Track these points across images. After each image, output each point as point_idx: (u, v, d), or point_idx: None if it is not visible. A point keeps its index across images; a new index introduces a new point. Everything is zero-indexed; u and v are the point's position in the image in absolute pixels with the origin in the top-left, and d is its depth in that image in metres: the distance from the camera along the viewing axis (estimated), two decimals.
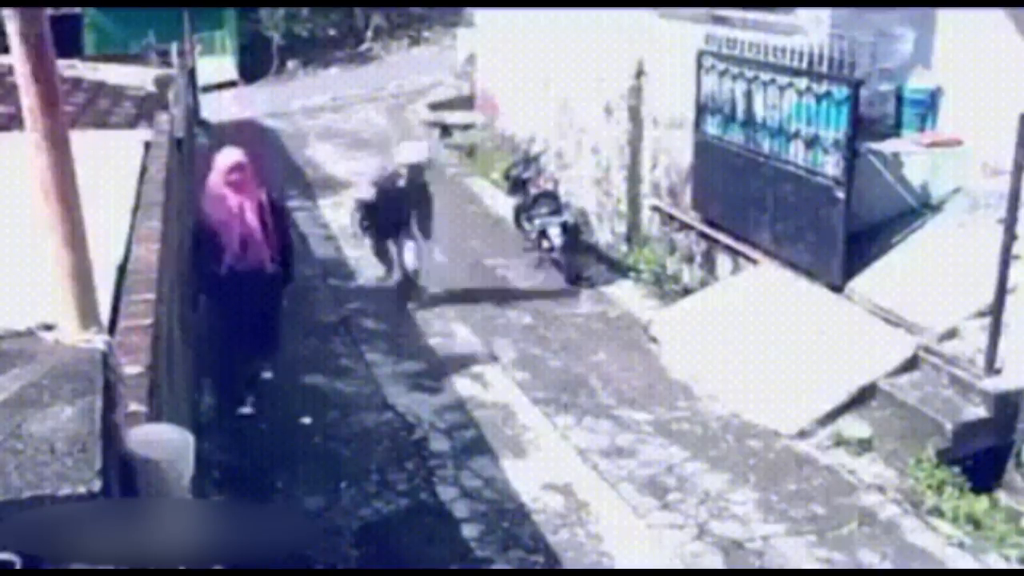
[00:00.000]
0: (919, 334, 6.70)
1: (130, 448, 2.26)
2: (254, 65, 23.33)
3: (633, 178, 10.46)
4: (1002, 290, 6.07)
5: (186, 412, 4.96)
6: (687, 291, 9.06)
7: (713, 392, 7.18)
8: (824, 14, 7.83)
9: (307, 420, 6.78)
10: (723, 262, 8.83)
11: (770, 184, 8.10)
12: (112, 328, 3.11)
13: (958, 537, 5.48)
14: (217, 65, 22.16)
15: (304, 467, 6.16)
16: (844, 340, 6.98)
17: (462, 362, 7.80)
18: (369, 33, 25.25)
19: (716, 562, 5.28)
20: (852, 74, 7.20)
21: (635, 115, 10.30)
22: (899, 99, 8.11)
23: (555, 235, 9.63)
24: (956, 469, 5.90)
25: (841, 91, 7.23)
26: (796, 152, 7.80)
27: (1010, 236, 6.03)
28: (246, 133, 15.76)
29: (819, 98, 7.46)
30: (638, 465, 6.24)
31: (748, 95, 8.29)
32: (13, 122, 6.05)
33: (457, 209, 12.34)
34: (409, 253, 8.87)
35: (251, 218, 6.42)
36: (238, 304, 6.44)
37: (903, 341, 6.73)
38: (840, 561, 5.29)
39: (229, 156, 6.56)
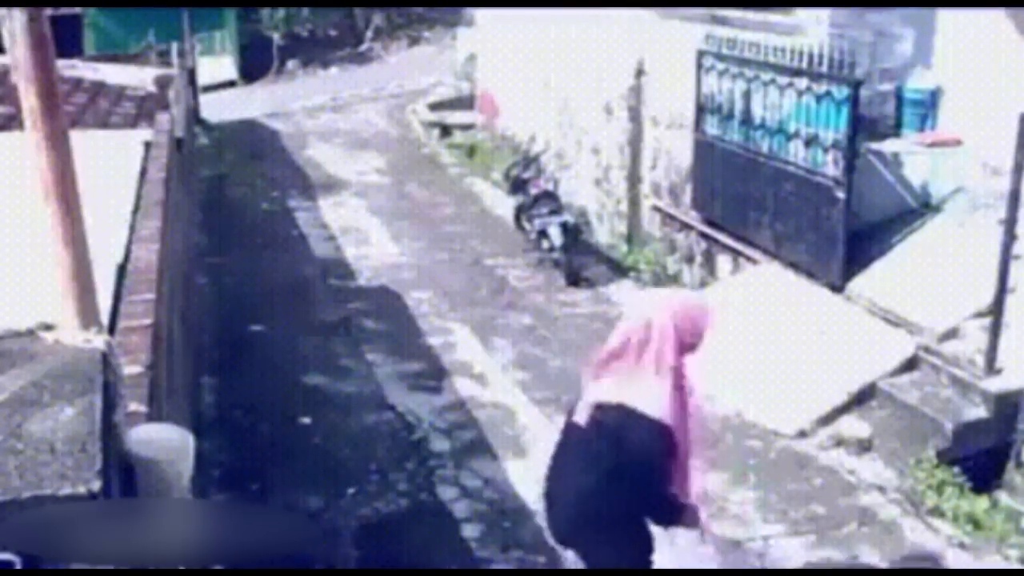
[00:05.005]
0: (919, 334, 6.69)
1: (130, 448, 2.26)
2: (254, 65, 23.35)
3: (633, 178, 10.46)
4: (1002, 290, 6.06)
5: (186, 412, 4.96)
6: None
7: (713, 392, 7.17)
8: (824, 14, 7.83)
9: (307, 420, 6.77)
10: (723, 262, 8.83)
11: (770, 184, 8.10)
12: (112, 328, 3.11)
13: (958, 537, 5.47)
14: (217, 65, 22.19)
15: (304, 467, 6.15)
16: (844, 340, 6.98)
17: (462, 362, 7.79)
18: (369, 33, 25.25)
19: (716, 562, 5.27)
20: (852, 74, 7.20)
21: (635, 115, 10.29)
22: (899, 99, 8.10)
23: (555, 235, 9.63)
24: (956, 469, 5.89)
25: (841, 91, 7.22)
26: (796, 152, 7.79)
27: (1010, 236, 6.03)
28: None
29: (819, 98, 7.46)
30: None
31: (748, 95, 8.29)
32: (13, 122, 6.06)
33: (457, 209, 12.37)
34: None
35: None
36: None
37: (903, 341, 6.73)
38: (840, 561, 5.28)
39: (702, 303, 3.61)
